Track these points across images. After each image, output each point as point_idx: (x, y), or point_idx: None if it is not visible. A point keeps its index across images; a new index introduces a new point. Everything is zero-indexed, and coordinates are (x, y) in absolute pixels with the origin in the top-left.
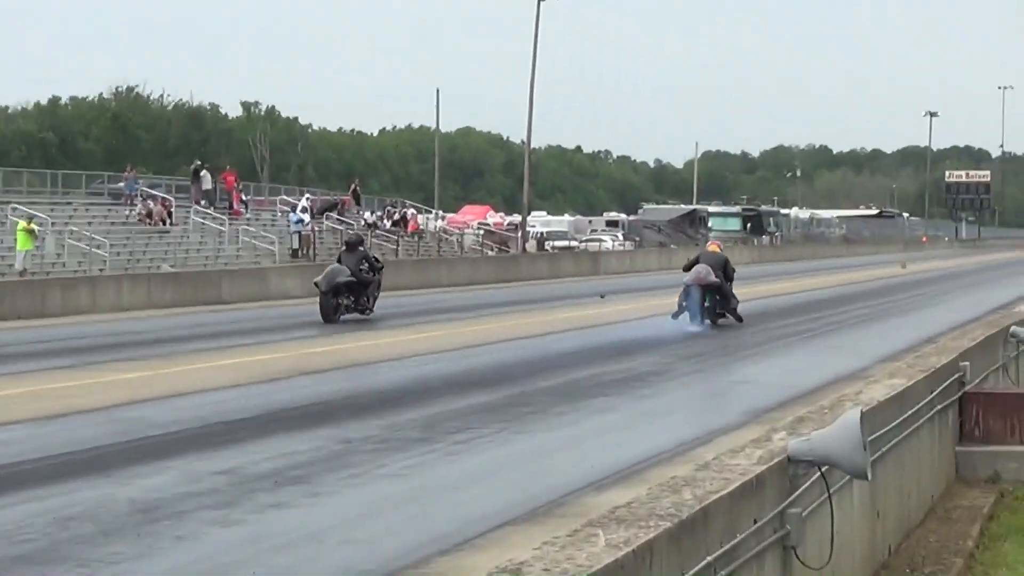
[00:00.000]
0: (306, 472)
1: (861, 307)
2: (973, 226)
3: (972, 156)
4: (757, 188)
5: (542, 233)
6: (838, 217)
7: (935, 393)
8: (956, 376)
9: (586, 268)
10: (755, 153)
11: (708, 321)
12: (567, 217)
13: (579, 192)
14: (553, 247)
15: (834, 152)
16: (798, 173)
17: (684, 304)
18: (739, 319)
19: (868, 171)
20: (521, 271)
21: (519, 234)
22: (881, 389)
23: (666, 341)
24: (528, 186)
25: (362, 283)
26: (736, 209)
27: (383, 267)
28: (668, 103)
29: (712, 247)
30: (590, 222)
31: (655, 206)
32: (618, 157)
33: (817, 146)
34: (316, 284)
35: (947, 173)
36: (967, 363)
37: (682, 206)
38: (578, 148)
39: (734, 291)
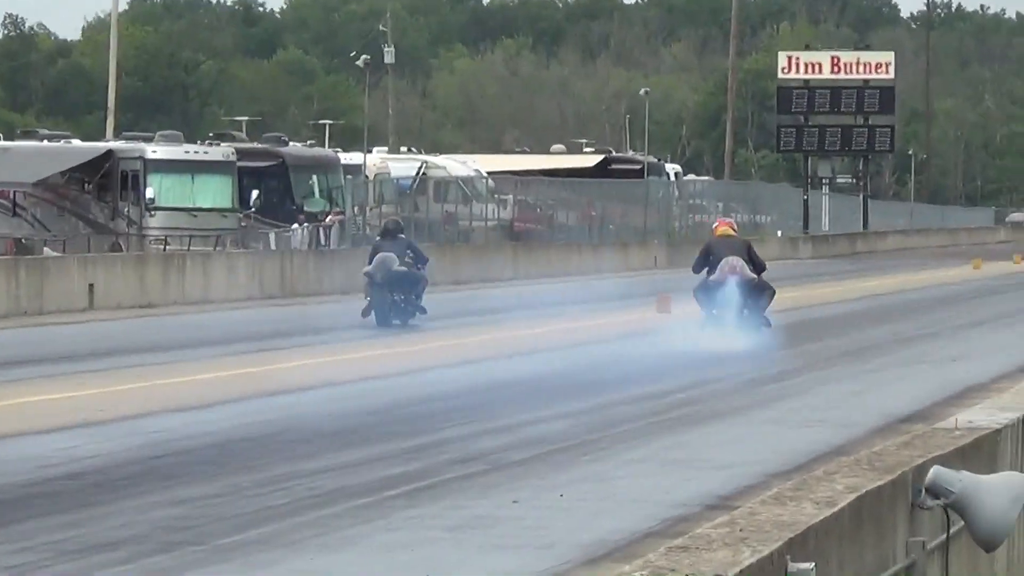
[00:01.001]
0: None
1: (523, 416)
2: (850, 199)
3: (853, 17)
4: (268, 93)
5: None
6: (492, 174)
7: None
8: None
9: None
10: None
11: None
12: None
13: None
14: None
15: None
16: (389, 51)
17: (714, 311)
18: (768, 324)
19: (573, 51)
20: None
21: None
22: None
23: None
24: None
25: (413, 278)
26: (174, 153)
27: (428, 260)
28: None
29: (723, 228)
30: None
31: None
32: None
33: None
34: (367, 274)
35: (782, 60)
36: (809, 569)
37: None
38: None
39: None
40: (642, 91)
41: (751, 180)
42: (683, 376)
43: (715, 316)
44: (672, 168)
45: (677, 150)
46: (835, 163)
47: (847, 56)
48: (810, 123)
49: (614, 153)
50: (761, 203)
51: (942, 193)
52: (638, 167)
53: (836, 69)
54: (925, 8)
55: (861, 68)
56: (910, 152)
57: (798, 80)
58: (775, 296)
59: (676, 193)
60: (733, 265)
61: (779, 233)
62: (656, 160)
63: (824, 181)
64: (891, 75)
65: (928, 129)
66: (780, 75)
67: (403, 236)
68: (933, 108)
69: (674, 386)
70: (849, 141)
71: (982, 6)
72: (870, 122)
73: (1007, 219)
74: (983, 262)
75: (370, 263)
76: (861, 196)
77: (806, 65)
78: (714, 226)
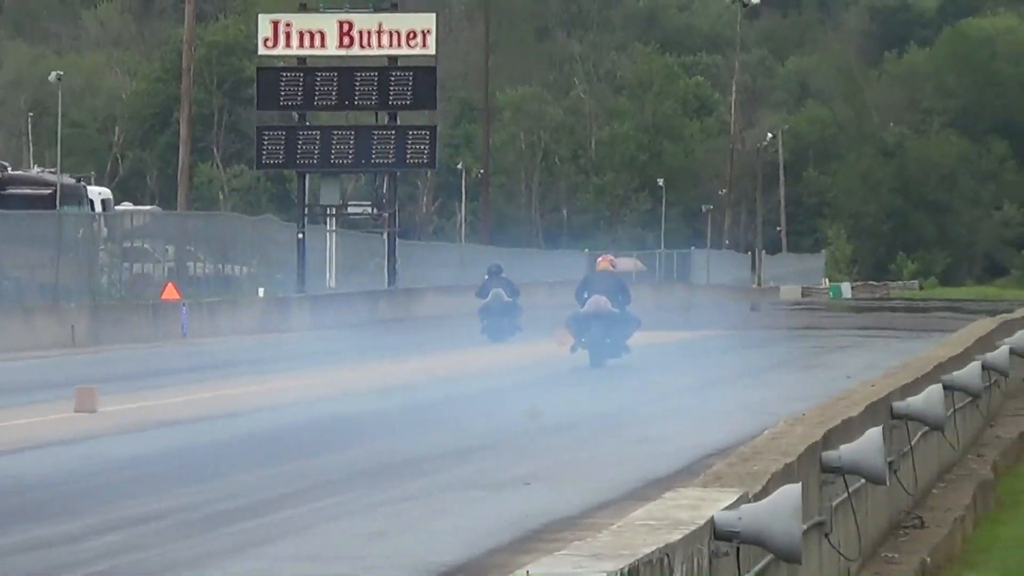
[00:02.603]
0: None
1: None
2: (370, 239)
3: None
4: None
5: None
6: None
7: None
8: None
9: None
10: None
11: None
12: None
13: None
14: None
15: None
16: None
17: (583, 340)
18: (628, 351)
19: None
20: None
21: None
22: None
23: None
24: None
25: (515, 306)
26: None
27: (519, 292)
28: None
29: (604, 264)
30: None
31: None
32: None
33: None
34: (485, 306)
35: (264, 27)
36: None
37: None
38: None
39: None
40: (53, 75)
41: (219, 211)
42: (112, 507)
43: (583, 344)
44: (99, 193)
45: (107, 166)
46: (346, 185)
47: (364, 20)
48: (308, 124)
49: (10, 171)
50: (235, 246)
51: (510, 228)
52: (46, 192)
53: (347, 40)
54: None
55: (386, 39)
56: (460, 167)
57: (289, 57)
58: (640, 326)
59: (104, 231)
60: (597, 301)
61: (261, 291)
62: (75, 181)
63: (330, 212)
64: (431, 49)
65: (487, 133)
66: (261, 50)
67: (504, 276)
68: (495, 101)
69: (93, 525)
70: (367, 151)
71: None
72: (400, 122)
73: None
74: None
75: (485, 296)
76: (386, 234)
77: (301, 35)
78: (598, 260)
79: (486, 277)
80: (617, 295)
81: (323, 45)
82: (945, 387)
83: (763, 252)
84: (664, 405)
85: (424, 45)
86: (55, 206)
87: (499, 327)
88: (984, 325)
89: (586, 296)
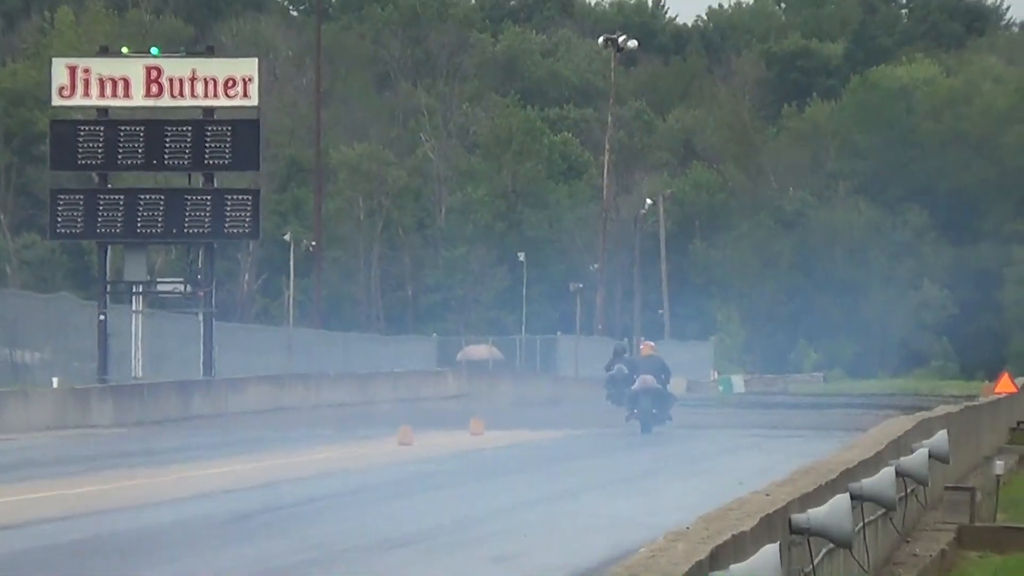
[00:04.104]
0: None
1: None
2: (185, 321)
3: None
4: None
5: None
6: None
7: None
8: None
9: None
10: None
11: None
12: None
13: None
14: None
15: None
16: None
17: (635, 411)
18: (670, 419)
19: None
20: None
21: None
22: None
23: None
24: None
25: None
26: None
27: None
28: None
29: (647, 350)
30: None
31: None
32: None
33: None
34: (612, 379)
35: (59, 73)
36: None
37: None
38: None
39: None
40: None
41: (6, 288)
42: None
43: (635, 415)
44: None
45: None
46: (155, 258)
47: (175, 66)
48: (110, 187)
49: None
50: (26, 328)
51: (347, 310)
52: None
53: (155, 89)
54: None
55: (200, 87)
56: (287, 238)
57: (88, 109)
58: (677, 401)
59: None
60: (645, 379)
61: (55, 381)
62: None
63: (136, 290)
64: (253, 99)
65: (319, 198)
66: (56, 100)
67: (627, 355)
68: (328, 161)
69: None
70: (179, 219)
71: None
72: (217, 184)
73: (459, 356)
74: (414, 432)
75: (611, 370)
76: (202, 316)
77: (102, 82)
78: (641, 347)
79: (612, 355)
80: (660, 374)
81: (128, 95)
82: (853, 497)
83: (641, 339)
84: (524, 516)
85: (245, 95)
86: None
87: (622, 394)
88: (899, 424)
89: (635, 377)
